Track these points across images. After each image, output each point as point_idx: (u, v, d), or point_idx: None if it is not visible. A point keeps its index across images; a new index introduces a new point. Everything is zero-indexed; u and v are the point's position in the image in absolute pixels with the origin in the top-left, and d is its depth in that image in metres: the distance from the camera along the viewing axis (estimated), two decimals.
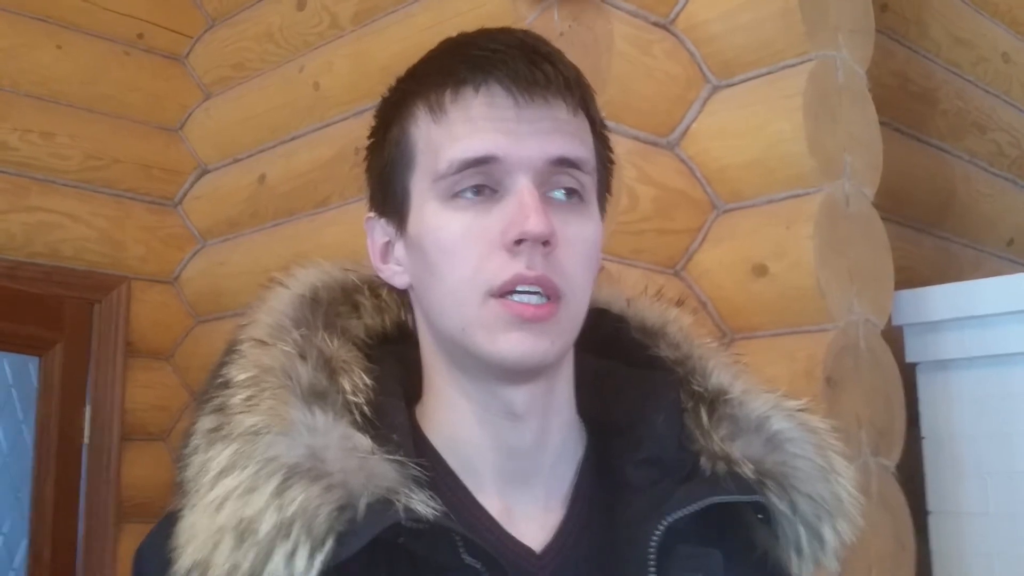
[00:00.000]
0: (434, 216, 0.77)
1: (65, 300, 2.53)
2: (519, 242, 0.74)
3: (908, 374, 1.76)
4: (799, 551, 0.83)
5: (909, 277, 1.91)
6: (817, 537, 0.83)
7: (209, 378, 0.82)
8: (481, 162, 0.75)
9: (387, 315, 0.90)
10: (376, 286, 0.89)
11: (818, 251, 1.52)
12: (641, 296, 0.96)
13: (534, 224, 0.73)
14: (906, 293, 1.77)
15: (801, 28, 1.57)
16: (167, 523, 0.76)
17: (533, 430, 0.81)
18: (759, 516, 0.83)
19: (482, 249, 0.75)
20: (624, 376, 0.89)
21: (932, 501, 1.72)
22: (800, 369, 1.49)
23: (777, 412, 0.86)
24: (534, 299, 0.74)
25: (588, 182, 0.79)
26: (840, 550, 0.85)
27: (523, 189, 0.75)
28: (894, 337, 1.74)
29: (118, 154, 2.66)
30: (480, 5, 1.96)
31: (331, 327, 0.84)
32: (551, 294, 0.75)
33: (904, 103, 2.20)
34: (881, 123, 1.77)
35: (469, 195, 0.76)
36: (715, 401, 0.86)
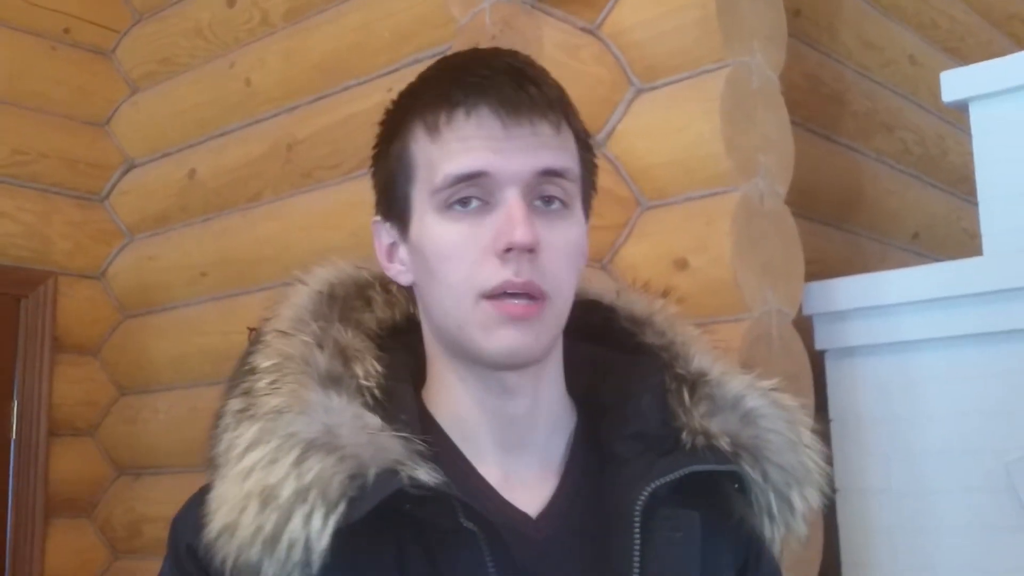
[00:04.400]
0: (433, 225, 0.86)
1: None
2: (508, 250, 0.82)
3: (817, 360, 1.87)
4: (771, 516, 0.92)
5: (820, 270, 2.01)
6: (787, 503, 0.92)
7: (237, 365, 0.90)
8: (473, 176, 0.84)
9: (397, 308, 0.99)
10: (387, 282, 0.98)
11: (735, 246, 1.61)
12: (629, 288, 1.06)
13: (520, 235, 0.82)
14: (816, 284, 1.87)
15: (719, 36, 1.66)
16: (199, 495, 0.85)
17: (526, 403, 0.90)
18: (736, 486, 0.91)
19: (475, 256, 0.84)
20: (614, 361, 0.98)
21: (839, 479, 1.82)
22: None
23: (751, 391, 0.95)
24: (521, 301, 0.83)
25: (572, 188, 0.88)
26: (808, 515, 0.94)
27: (511, 201, 0.83)
28: (804, 326, 1.84)
29: (44, 149, 2.65)
30: (412, 6, 2.00)
31: (346, 319, 0.93)
32: (537, 296, 0.84)
33: (816, 104, 2.30)
34: (793, 124, 1.87)
35: (462, 207, 0.85)
36: (696, 382, 0.95)
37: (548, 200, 0.86)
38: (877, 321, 1.84)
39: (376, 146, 0.94)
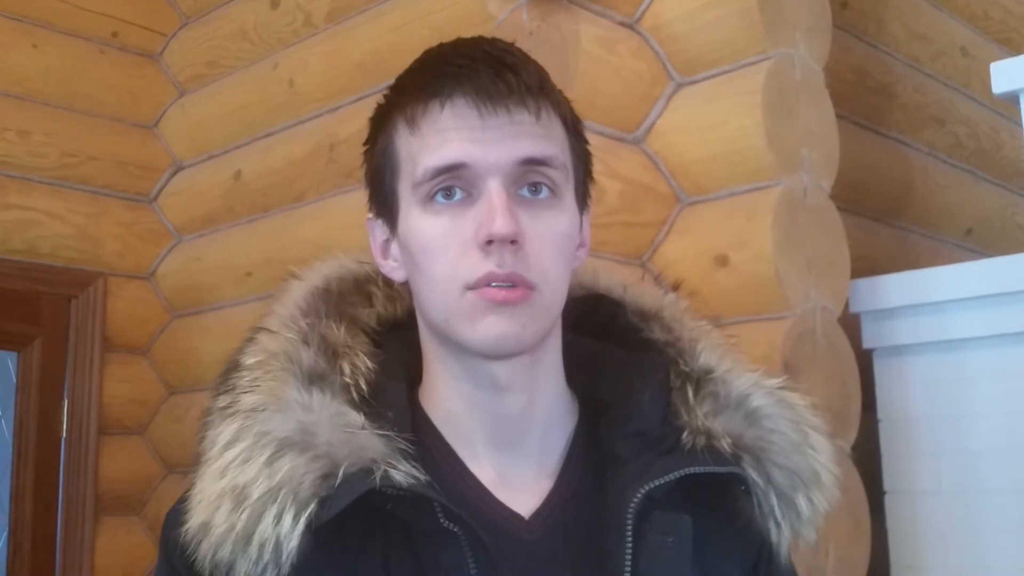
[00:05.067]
0: (416, 220, 0.85)
1: (43, 296, 2.56)
2: (490, 242, 0.81)
3: (865, 359, 1.83)
4: (775, 520, 0.89)
5: (868, 266, 1.97)
6: (792, 507, 0.89)
7: (227, 362, 0.91)
8: (452, 168, 0.83)
9: (399, 304, 0.98)
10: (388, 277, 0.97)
11: (777, 242, 1.58)
12: (639, 282, 1.05)
13: (500, 226, 0.80)
14: (863, 281, 1.84)
15: (760, 27, 1.63)
16: (188, 490, 0.85)
17: (519, 400, 0.88)
18: (742, 488, 0.89)
19: (458, 249, 0.83)
20: (616, 357, 0.96)
21: (888, 481, 1.79)
22: (759, 355, 1.55)
23: (757, 390, 0.93)
24: (504, 286, 0.82)
25: (558, 177, 0.86)
26: (816, 520, 0.91)
27: (492, 192, 0.82)
28: (852, 324, 1.80)
29: (94, 151, 2.68)
30: (450, 5, 2.00)
31: (340, 315, 0.93)
32: (522, 285, 0.82)
33: (863, 97, 2.26)
34: (840, 117, 1.83)
35: (445, 199, 0.84)
36: (701, 380, 0.93)
37: (535, 189, 0.84)
38: (926, 319, 1.79)
39: (365, 143, 0.93)
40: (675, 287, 1.03)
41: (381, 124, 0.90)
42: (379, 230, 0.92)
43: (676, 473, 0.85)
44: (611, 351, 0.97)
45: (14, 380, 2.57)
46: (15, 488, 2.51)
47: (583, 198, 0.92)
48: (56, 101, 2.63)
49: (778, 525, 0.89)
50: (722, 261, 1.62)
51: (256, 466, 0.78)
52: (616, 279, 1.04)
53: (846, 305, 1.75)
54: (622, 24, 1.74)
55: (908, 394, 1.81)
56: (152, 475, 2.69)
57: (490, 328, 0.82)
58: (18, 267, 2.51)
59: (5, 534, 2.54)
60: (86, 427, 2.59)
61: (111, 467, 2.63)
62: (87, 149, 2.67)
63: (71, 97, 2.66)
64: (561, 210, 0.86)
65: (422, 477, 0.79)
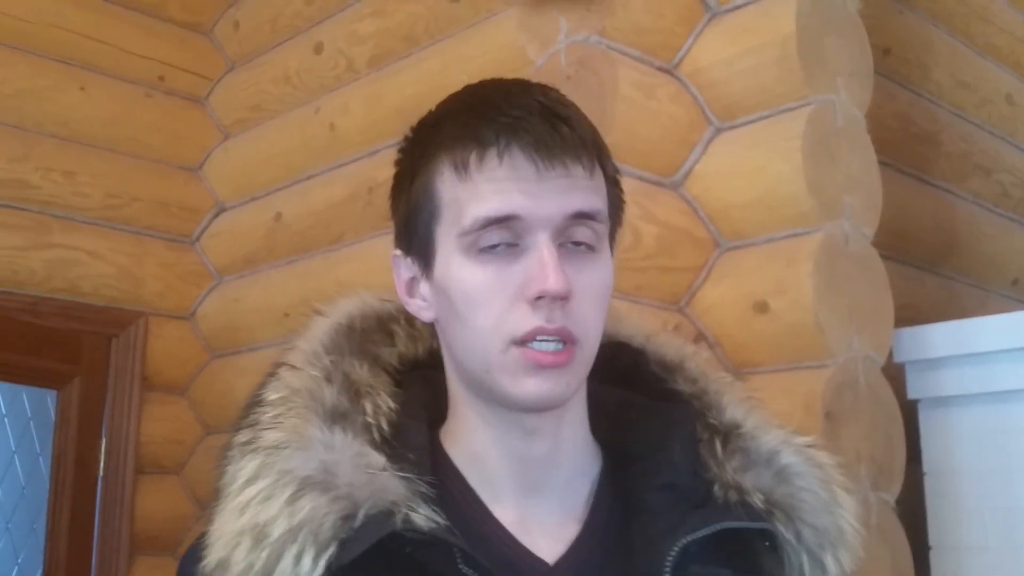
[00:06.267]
0: (460, 268, 0.84)
1: (83, 335, 2.59)
2: (539, 297, 0.80)
3: (910, 410, 1.79)
4: None
5: (913, 315, 1.93)
6: (819, 565, 0.88)
7: (249, 397, 0.90)
8: (504, 220, 0.82)
9: (420, 343, 0.97)
10: (411, 316, 0.96)
11: (817, 289, 1.55)
12: (660, 332, 1.03)
13: (553, 283, 0.79)
14: (907, 330, 1.80)
15: (800, 74, 1.62)
16: (207, 527, 0.83)
17: (546, 444, 0.88)
18: (766, 543, 0.88)
19: (505, 301, 0.82)
20: (643, 407, 0.95)
21: (933, 535, 1.74)
22: (799, 404, 1.52)
23: (786, 447, 0.92)
24: (552, 346, 0.81)
25: (602, 230, 0.86)
26: None
27: (543, 247, 0.81)
28: (896, 374, 1.77)
29: (138, 193, 2.73)
30: (489, 51, 2.02)
31: (363, 353, 0.92)
32: (567, 340, 0.82)
33: (907, 145, 2.24)
34: (884, 165, 1.81)
35: (492, 250, 0.83)
36: (729, 434, 0.92)
37: (577, 241, 0.83)
38: (973, 369, 1.75)
39: (396, 177, 0.91)
40: (696, 340, 1.03)
41: (420, 163, 0.88)
42: (405, 268, 0.91)
43: (714, 527, 0.84)
44: (638, 401, 0.96)
45: (53, 418, 2.59)
46: (51, 525, 2.52)
47: (612, 242, 0.92)
48: (102, 143, 2.68)
49: None
50: (761, 307, 1.60)
51: (277, 504, 0.77)
52: (638, 327, 1.03)
53: (890, 355, 1.72)
54: (660, 69, 1.74)
55: (954, 446, 1.76)
56: (188, 515, 2.69)
57: (534, 387, 0.82)
58: (60, 306, 2.55)
59: (40, 572, 2.54)
60: (123, 466, 2.60)
61: (147, 506, 2.63)
62: (131, 190, 2.71)
63: (117, 139, 2.71)
64: (602, 262, 0.86)
65: (442, 521, 0.78)
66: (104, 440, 2.58)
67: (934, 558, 1.74)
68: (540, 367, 0.81)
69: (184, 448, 2.73)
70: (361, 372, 0.89)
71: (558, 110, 0.84)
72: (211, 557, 0.78)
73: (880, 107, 1.93)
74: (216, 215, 2.84)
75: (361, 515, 0.76)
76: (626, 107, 1.65)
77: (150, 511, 2.63)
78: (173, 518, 2.67)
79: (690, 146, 1.72)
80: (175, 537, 2.67)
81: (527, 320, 0.81)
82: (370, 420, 0.85)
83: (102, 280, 2.63)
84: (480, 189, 0.82)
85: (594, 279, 0.84)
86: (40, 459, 2.78)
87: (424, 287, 0.89)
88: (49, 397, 2.64)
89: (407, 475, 0.80)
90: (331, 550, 0.75)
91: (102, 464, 2.57)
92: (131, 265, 2.69)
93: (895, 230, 1.91)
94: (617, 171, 0.91)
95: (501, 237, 0.82)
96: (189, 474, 2.74)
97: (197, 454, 2.75)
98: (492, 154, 0.82)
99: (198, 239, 2.84)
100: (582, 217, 0.83)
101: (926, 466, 1.78)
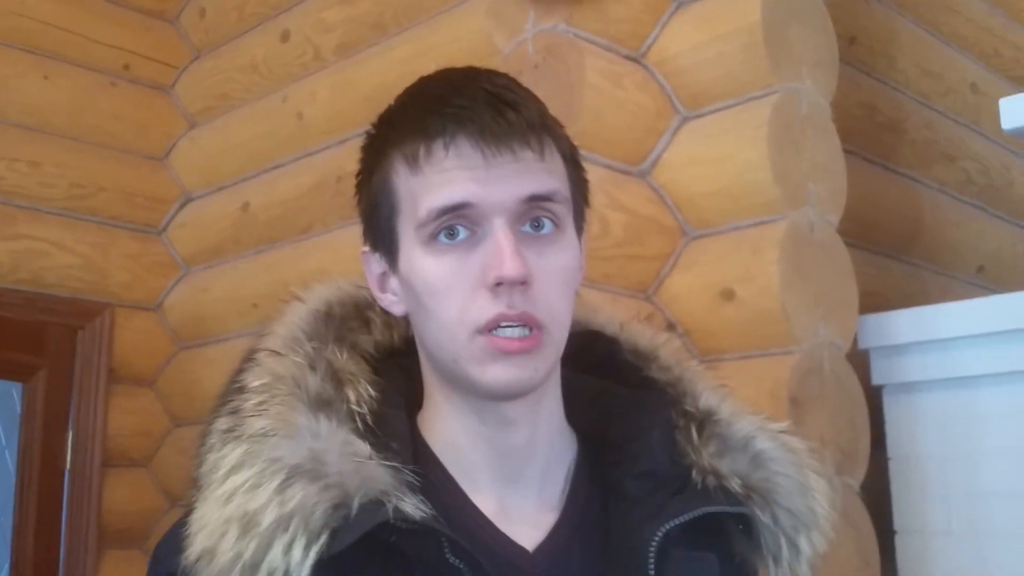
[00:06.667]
0: (421, 260, 0.84)
1: (49, 326, 2.56)
2: (499, 284, 0.80)
3: (875, 396, 1.80)
4: (777, 559, 0.91)
5: (878, 302, 1.95)
6: (794, 547, 0.91)
7: (227, 383, 0.89)
8: (456, 208, 0.82)
9: (396, 331, 0.98)
10: None
11: (783, 276, 1.56)
12: (633, 321, 1.04)
13: (510, 268, 0.80)
14: (872, 317, 1.82)
15: (765, 62, 1.63)
16: (182, 520, 0.82)
17: (524, 433, 0.88)
18: (740, 527, 0.91)
19: (466, 290, 0.82)
20: (619, 395, 0.96)
21: (898, 520, 1.76)
22: (765, 390, 1.53)
23: (761, 433, 0.94)
24: (517, 332, 0.81)
25: (561, 211, 0.86)
26: (813, 559, 0.93)
27: (498, 232, 0.81)
28: (861, 360, 1.78)
29: (103, 183, 2.69)
30: (457, 39, 2.01)
31: (342, 341, 0.91)
32: (533, 326, 0.82)
33: (872, 133, 2.25)
34: (849, 153, 1.83)
35: (448, 239, 0.83)
36: (704, 421, 0.94)
37: (537, 224, 0.84)
38: (937, 355, 1.77)
39: (358, 174, 0.92)
40: (669, 328, 1.04)
41: (377, 159, 0.89)
42: (375, 263, 0.92)
43: (696, 512, 0.86)
44: (614, 389, 0.97)
45: (18, 411, 2.56)
46: (18, 520, 2.50)
47: (580, 224, 0.92)
48: (66, 132, 2.64)
49: (778, 564, 0.91)
50: (728, 295, 1.61)
51: (266, 493, 0.76)
52: (611, 316, 1.04)
53: (855, 341, 1.74)
54: (628, 58, 1.74)
55: (918, 432, 1.78)
56: (156, 508, 2.68)
57: (501, 374, 0.82)
58: (25, 297, 2.51)
59: (7, 566, 2.52)
60: (90, 459, 2.57)
61: (115, 499, 2.61)
62: (96, 180, 2.68)
63: (81, 128, 2.67)
64: (565, 244, 0.86)
65: (429, 511, 0.78)
66: (71, 433, 2.56)
67: (899, 542, 1.76)
68: (506, 353, 0.81)
69: (152, 440, 2.71)
70: (342, 359, 0.89)
71: (504, 96, 0.84)
72: (194, 547, 0.77)
73: (846, 96, 1.94)
74: (183, 205, 2.81)
75: (355, 505, 0.76)
76: (593, 95, 1.65)
77: (118, 504, 2.61)
78: (141, 511, 2.65)
79: (657, 135, 1.73)
80: (144, 530, 2.66)
81: (489, 307, 0.81)
82: (354, 408, 0.85)
83: (68, 271, 2.60)
84: (431, 181, 0.83)
85: (556, 262, 0.84)
86: (6, 453, 2.75)
87: (393, 282, 0.90)
88: (14, 390, 2.62)
89: (393, 464, 0.80)
90: (323, 539, 0.74)
91: (69, 457, 2.54)
92: (97, 256, 2.66)
93: (860, 218, 1.93)
94: (575, 150, 0.91)
95: (457, 224, 0.82)
96: (157, 467, 2.72)
97: (165, 446, 2.73)
98: (439, 145, 0.83)
99: (165, 229, 2.82)
100: (537, 199, 0.83)
101: (890, 451, 1.80)
